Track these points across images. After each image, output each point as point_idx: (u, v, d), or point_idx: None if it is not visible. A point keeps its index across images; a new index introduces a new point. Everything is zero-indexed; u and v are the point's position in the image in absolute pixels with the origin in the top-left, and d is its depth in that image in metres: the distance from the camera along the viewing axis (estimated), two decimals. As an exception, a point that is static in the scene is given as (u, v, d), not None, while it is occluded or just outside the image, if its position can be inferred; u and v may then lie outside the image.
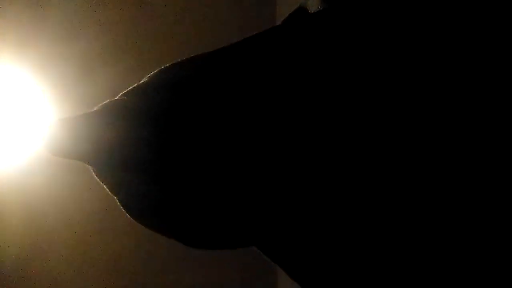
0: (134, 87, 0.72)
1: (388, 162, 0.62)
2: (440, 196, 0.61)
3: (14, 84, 2.46)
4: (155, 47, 2.60)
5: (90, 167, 0.71)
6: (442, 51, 0.62)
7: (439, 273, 0.62)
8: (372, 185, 0.62)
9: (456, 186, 0.61)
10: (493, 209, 0.60)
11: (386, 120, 0.62)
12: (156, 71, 0.73)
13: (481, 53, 0.61)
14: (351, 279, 0.66)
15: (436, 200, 0.61)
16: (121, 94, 0.72)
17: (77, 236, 2.52)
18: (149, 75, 0.73)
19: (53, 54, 2.50)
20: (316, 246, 0.66)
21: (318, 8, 0.69)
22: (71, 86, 2.50)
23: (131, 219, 0.74)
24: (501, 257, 0.60)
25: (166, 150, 0.67)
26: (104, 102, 0.70)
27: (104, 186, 0.72)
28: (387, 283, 0.64)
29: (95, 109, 0.70)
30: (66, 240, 2.51)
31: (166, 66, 0.73)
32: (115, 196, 0.73)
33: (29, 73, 2.48)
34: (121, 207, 0.73)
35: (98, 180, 0.72)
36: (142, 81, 0.73)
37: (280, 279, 2.63)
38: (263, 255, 0.72)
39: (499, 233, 0.60)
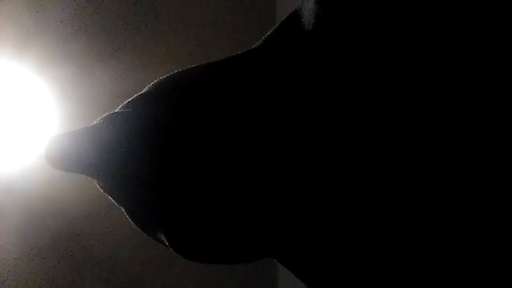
0: (133, 98, 0.71)
1: (388, 163, 0.62)
2: (440, 196, 0.61)
3: (14, 84, 2.46)
4: (155, 47, 2.60)
5: (95, 181, 0.71)
6: (439, 59, 0.62)
7: (439, 273, 0.62)
8: (374, 186, 0.63)
9: (456, 186, 0.61)
10: (493, 209, 0.60)
11: (386, 123, 0.62)
12: (156, 81, 0.73)
13: (481, 54, 0.61)
14: (354, 278, 0.66)
15: (436, 200, 0.61)
16: (121, 105, 0.71)
17: (77, 236, 2.52)
18: (149, 85, 0.73)
19: (53, 54, 2.50)
20: (319, 246, 0.66)
21: (312, 10, 0.69)
22: (71, 86, 2.50)
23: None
24: (501, 257, 0.60)
25: (166, 162, 0.66)
26: (104, 115, 0.70)
27: (109, 197, 0.72)
28: (388, 283, 0.64)
29: (95, 122, 0.70)
30: (66, 240, 2.51)
31: (166, 77, 0.73)
32: (121, 206, 0.72)
33: (29, 73, 2.48)
34: (127, 217, 0.72)
35: (102, 191, 0.72)
36: (142, 91, 0.72)
37: (280, 279, 2.63)
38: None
39: (499, 233, 0.60)
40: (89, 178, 0.71)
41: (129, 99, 0.72)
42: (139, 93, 0.72)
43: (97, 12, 2.56)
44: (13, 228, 2.47)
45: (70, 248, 2.52)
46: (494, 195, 0.60)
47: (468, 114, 0.61)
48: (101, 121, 0.69)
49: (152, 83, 0.73)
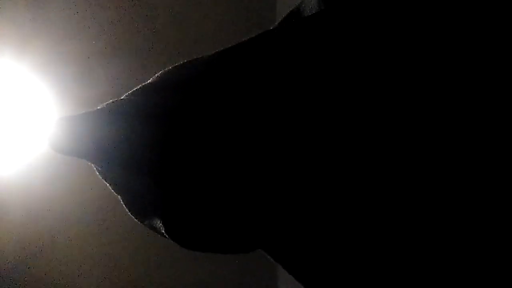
0: (139, 87, 0.72)
1: (388, 162, 0.62)
2: (440, 196, 0.61)
3: (14, 84, 2.46)
4: (155, 47, 2.60)
5: (93, 166, 0.71)
6: (441, 52, 0.62)
7: (439, 273, 0.62)
8: (373, 185, 0.62)
9: (456, 186, 0.61)
10: (493, 209, 0.60)
11: (385, 121, 0.62)
12: (162, 71, 0.73)
13: (481, 53, 0.61)
14: (352, 278, 0.66)
15: (436, 200, 0.61)
16: (126, 94, 0.72)
17: (77, 236, 2.52)
18: (155, 75, 0.73)
19: (53, 54, 2.50)
20: (317, 245, 0.66)
21: (315, 9, 0.69)
22: (71, 86, 2.50)
23: (132, 219, 0.74)
24: (501, 257, 0.60)
25: (168, 150, 0.66)
26: (109, 101, 0.70)
27: (107, 184, 0.72)
28: (387, 283, 0.64)
29: (99, 107, 0.70)
30: (66, 240, 2.51)
31: (171, 67, 0.73)
32: (118, 195, 0.73)
33: (29, 73, 2.48)
34: (124, 206, 0.73)
35: (101, 178, 0.72)
36: (147, 81, 0.73)
37: (280, 279, 2.63)
38: (265, 255, 0.72)
39: (499, 233, 0.60)
40: (89, 165, 0.71)
41: (134, 89, 0.72)
42: (144, 83, 0.72)
43: (97, 12, 2.56)
44: (13, 228, 2.47)
45: (70, 248, 2.52)
46: (494, 195, 0.60)
47: (468, 114, 0.61)
48: (105, 106, 0.70)
49: (157, 74, 0.73)
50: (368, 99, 0.63)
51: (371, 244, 0.64)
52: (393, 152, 0.62)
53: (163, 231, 0.70)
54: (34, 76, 2.48)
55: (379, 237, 0.63)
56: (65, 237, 2.51)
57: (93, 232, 2.53)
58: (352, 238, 0.64)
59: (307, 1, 0.71)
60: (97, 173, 0.72)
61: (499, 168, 0.60)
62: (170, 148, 0.66)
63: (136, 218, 0.73)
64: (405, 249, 0.63)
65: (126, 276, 2.57)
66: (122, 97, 0.71)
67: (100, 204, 2.45)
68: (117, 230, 2.51)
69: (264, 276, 2.64)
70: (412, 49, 0.63)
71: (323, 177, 0.64)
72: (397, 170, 0.62)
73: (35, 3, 2.50)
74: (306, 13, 0.71)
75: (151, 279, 2.59)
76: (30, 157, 2.45)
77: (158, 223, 0.70)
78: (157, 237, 0.75)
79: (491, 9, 0.62)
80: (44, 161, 2.43)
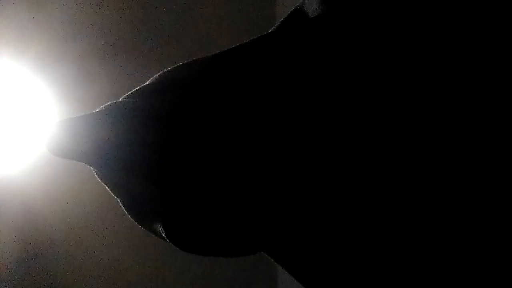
0: (138, 89, 0.71)
1: (388, 163, 0.62)
2: (440, 196, 0.61)
3: (14, 84, 2.46)
4: (155, 47, 2.60)
5: (91, 169, 0.71)
6: (442, 54, 0.62)
7: (439, 273, 0.62)
8: (373, 185, 0.62)
9: (456, 186, 0.61)
10: (493, 209, 0.60)
11: (386, 122, 0.62)
12: (160, 73, 0.73)
13: (481, 53, 0.61)
14: (352, 279, 0.66)
15: (436, 200, 0.61)
16: (125, 95, 0.72)
17: (77, 236, 2.52)
18: (153, 77, 0.73)
19: (53, 54, 2.50)
20: (317, 246, 0.66)
21: (317, 10, 0.69)
22: (71, 86, 2.50)
23: (132, 220, 0.74)
24: (501, 257, 0.60)
25: (169, 152, 0.66)
26: (107, 103, 0.70)
27: (106, 187, 0.72)
28: (387, 283, 0.64)
29: (97, 109, 0.70)
30: (66, 240, 2.51)
31: (171, 68, 0.73)
32: (117, 197, 0.72)
33: (29, 73, 2.48)
34: (124, 209, 0.73)
35: (100, 181, 0.72)
36: (146, 83, 0.72)
37: (280, 279, 2.63)
38: (265, 255, 0.72)
39: (499, 233, 0.60)
40: (88, 166, 0.71)
41: (133, 90, 0.72)
42: (143, 84, 0.72)
43: (97, 13, 2.56)
44: (13, 228, 2.47)
45: (69, 248, 2.52)
46: (494, 195, 0.60)
47: (468, 114, 0.61)
48: (104, 108, 0.69)
49: (156, 75, 0.73)
50: (370, 100, 0.63)
51: (371, 244, 0.64)
52: (393, 153, 0.62)
53: (163, 234, 0.70)
54: (34, 76, 2.48)
55: (379, 238, 0.63)
56: (65, 237, 2.51)
57: (93, 232, 2.53)
58: (352, 238, 0.64)
59: (309, 2, 0.71)
60: (96, 176, 0.72)
61: (499, 168, 0.60)
62: (170, 150, 0.66)
63: (135, 222, 0.73)
64: (405, 249, 0.63)
65: (125, 276, 2.57)
66: (120, 99, 0.71)
67: (100, 204, 2.45)
68: (117, 230, 2.51)
69: (264, 276, 2.64)
70: (414, 51, 0.63)
71: (323, 179, 0.64)
72: (397, 171, 0.62)
73: (35, 3, 2.50)
74: (308, 14, 0.71)
75: (151, 279, 2.59)
76: (30, 157, 2.45)
77: (159, 227, 0.70)
78: (155, 238, 0.75)
79: (491, 9, 0.62)
80: (44, 161, 2.43)
